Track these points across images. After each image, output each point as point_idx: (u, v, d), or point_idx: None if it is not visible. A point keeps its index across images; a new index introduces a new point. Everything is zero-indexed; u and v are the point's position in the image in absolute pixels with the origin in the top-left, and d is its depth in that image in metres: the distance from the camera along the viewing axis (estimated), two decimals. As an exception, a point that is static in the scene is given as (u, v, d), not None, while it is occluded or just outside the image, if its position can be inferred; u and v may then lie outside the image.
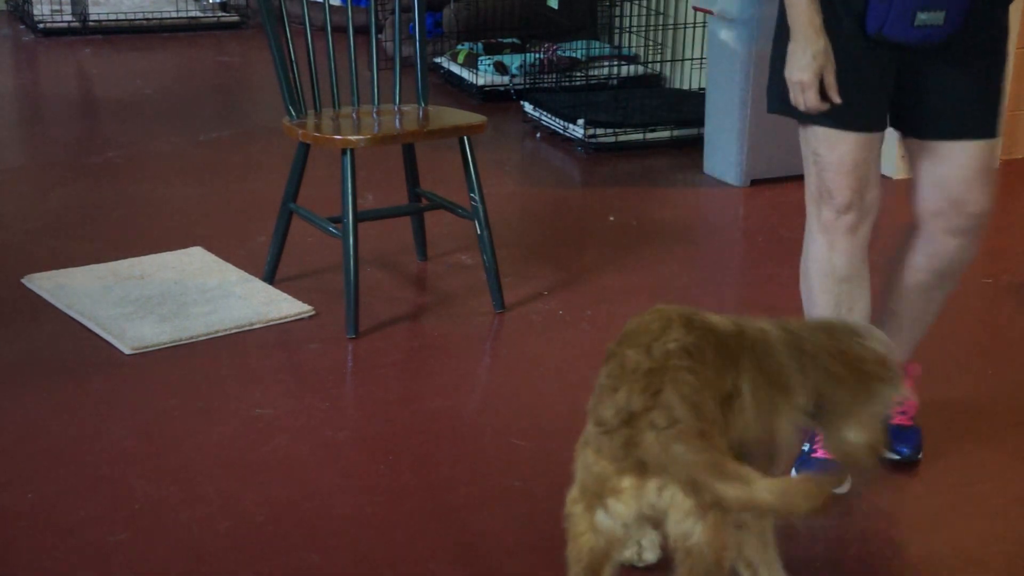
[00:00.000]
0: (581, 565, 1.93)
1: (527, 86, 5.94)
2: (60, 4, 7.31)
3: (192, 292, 3.61)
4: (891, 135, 4.45)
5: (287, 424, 2.93)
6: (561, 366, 3.26)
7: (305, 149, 3.55)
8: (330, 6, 3.42)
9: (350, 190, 3.35)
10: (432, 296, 3.75)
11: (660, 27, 6.15)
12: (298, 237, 3.87)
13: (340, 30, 3.72)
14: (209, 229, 4.15)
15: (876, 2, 2.36)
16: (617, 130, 5.23)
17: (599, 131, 5.20)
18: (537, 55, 6.06)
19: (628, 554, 2.27)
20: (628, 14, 6.16)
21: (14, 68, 6.74)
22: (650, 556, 2.30)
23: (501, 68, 6.02)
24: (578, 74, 5.99)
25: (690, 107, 5.43)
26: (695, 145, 5.13)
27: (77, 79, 6.57)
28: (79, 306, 3.48)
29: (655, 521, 1.89)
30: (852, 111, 2.45)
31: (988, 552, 2.49)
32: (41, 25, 7.19)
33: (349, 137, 3.36)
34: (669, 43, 6.13)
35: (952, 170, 2.53)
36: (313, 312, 3.52)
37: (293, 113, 3.50)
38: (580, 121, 5.21)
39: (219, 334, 3.36)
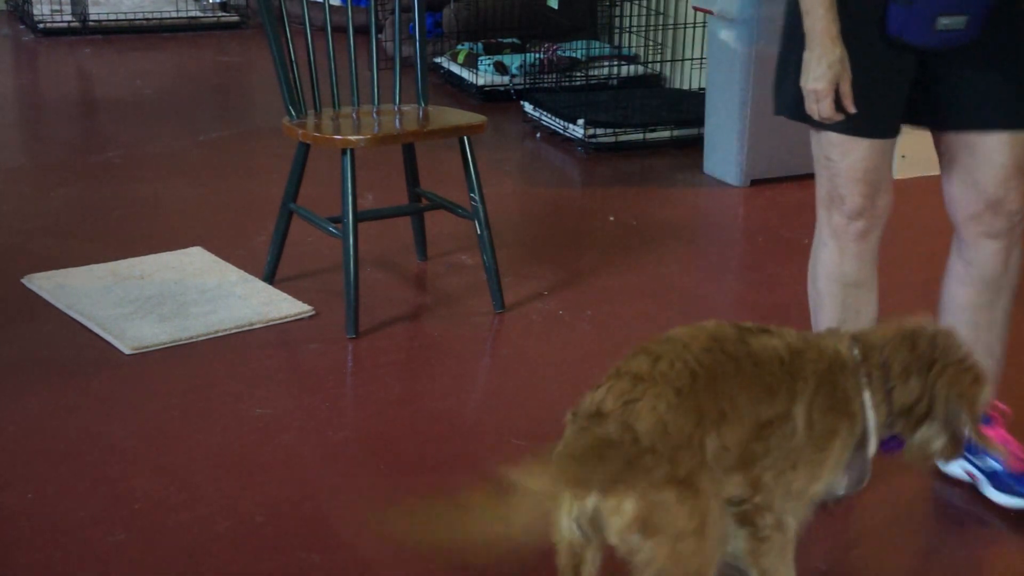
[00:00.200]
0: (561, 559, 1.94)
1: (527, 86, 5.94)
2: (60, 4, 7.31)
3: (192, 292, 3.61)
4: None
5: (287, 424, 2.93)
6: (561, 366, 3.26)
7: (305, 149, 3.55)
8: (330, 6, 3.42)
9: (350, 190, 3.35)
10: (432, 296, 3.75)
11: (660, 27, 6.15)
12: (298, 237, 3.87)
13: (340, 30, 3.72)
14: (209, 229, 4.15)
15: (896, 7, 2.33)
16: (617, 130, 5.23)
17: (599, 131, 5.20)
18: (537, 55, 6.06)
19: None
20: (628, 14, 6.16)
21: (14, 68, 6.74)
22: None
23: (501, 68, 6.02)
24: (578, 74, 5.99)
25: (690, 107, 5.42)
26: (695, 145, 5.13)
27: (77, 79, 6.57)
28: (79, 306, 3.48)
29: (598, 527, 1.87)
30: (867, 118, 2.42)
31: None
32: (41, 25, 7.18)
33: (349, 137, 3.36)
34: (669, 43, 6.13)
35: (986, 168, 2.47)
36: (313, 312, 3.52)
37: (293, 113, 3.50)
38: (580, 121, 5.21)
39: (219, 334, 3.36)
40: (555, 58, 6.03)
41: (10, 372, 3.14)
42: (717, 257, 4.23)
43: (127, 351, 3.24)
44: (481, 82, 6.00)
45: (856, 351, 2.03)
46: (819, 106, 2.40)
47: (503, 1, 6.57)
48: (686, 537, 1.81)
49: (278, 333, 3.41)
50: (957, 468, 2.68)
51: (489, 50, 6.24)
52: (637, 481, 1.81)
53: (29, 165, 4.98)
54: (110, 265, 3.79)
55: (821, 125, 2.47)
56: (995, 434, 2.63)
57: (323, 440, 2.86)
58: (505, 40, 6.40)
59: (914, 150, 4.91)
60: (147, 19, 7.42)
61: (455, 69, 6.21)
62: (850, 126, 2.44)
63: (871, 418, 2.02)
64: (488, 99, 5.95)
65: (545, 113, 5.44)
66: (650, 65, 6.17)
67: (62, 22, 7.23)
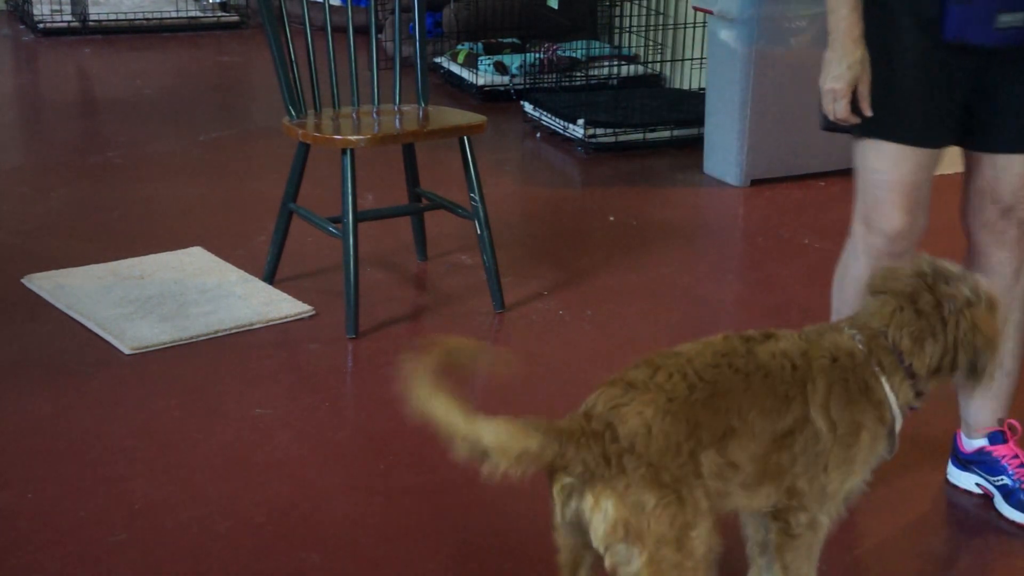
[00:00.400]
0: (561, 558, 1.93)
1: (527, 86, 5.94)
2: (60, 4, 7.30)
3: (192, 292, 3.61)
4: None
5: (287, 424, 2.93)
6: (561, 366, 3.26)
7: (305, 149, 3.55)
8: (330, 6, 3.42)
9: (350, 190, 3.35)
10: (432, 296, 3.75)
11: (660, 27, 6.15)
12: (298, 237, 3.87)
13: (340, 30, 3.72)
14: (209, 229, 4.15)
15: (954, 7, 2.29)
16: (617, 130, 5.23)
17: (599, 131, 5.20)
18: (537, 55, 6.06)
19: None
20: (628, 14, 6.17)
21: (14, 68, 6.74)
22: None
23: (501, 68, 6.02)
24: (578, 74, 5.99)
25: (690, 107, 5.42)
26: (695, 145, 5.13)
27: (77, 79, 6.57)
28: (79, 306, 3.48)
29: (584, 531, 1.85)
30: (920, 126, 2.38)
31: None
32: (41, 25, 7.18)
33: (349, 137, 3.36)
34: (669, 43, 6.13)
35: (1005, 177, 2.46)
36: (313, 312, 3.52)
37: (293, 113, 3.50)
38: (580, 121, 5.21)
39: (219, 334, 3.36)
40: (555, 58, 6.03)
41: (10, 372, 3.14)
42: (717, 257, 4.23)
43: (127, 351, 3.24)
44: (481, 82, 6.00)
45: (860, 343, 2.00)
46: (835, 106, 2.38)
47: (503, 1, 6.57)
48: (667, 544, 1.79)
49: (278, 333, 3.41)
50: (969, 482, 2.68)
51: (489, 50, 6.24)
52: (615, 480, 1.80)
53: (29, 165, 4.98)
54: (110, 265, 3.79)
55: (870, 132, 2.40)
56: (1006, 450, 2.63)
57: (323, 440, 2.86)
58: (505, 40, 6.40)
59: (914, 150, 4.91)
60: (147, 19, 7.42)
61: (455, 69, 6.21)
62: (904, 134, 2.38)
63: (894, 402, 2.00)
64: (488, 99, 5.95)
65: (545, 113, 5.44)
66: (650, 65, 6.17)
67: (62, 22, 7.23)
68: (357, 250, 3.37)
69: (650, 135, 5.28)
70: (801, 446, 1.93)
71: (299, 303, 3.55)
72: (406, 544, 2.46)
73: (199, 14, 7.61)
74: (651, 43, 6.19)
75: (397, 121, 3.59)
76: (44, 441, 2.82)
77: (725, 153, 4.85)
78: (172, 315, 3.45)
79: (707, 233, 4.47)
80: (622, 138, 5.24)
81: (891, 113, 2.38)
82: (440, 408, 1.80)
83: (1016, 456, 2.61)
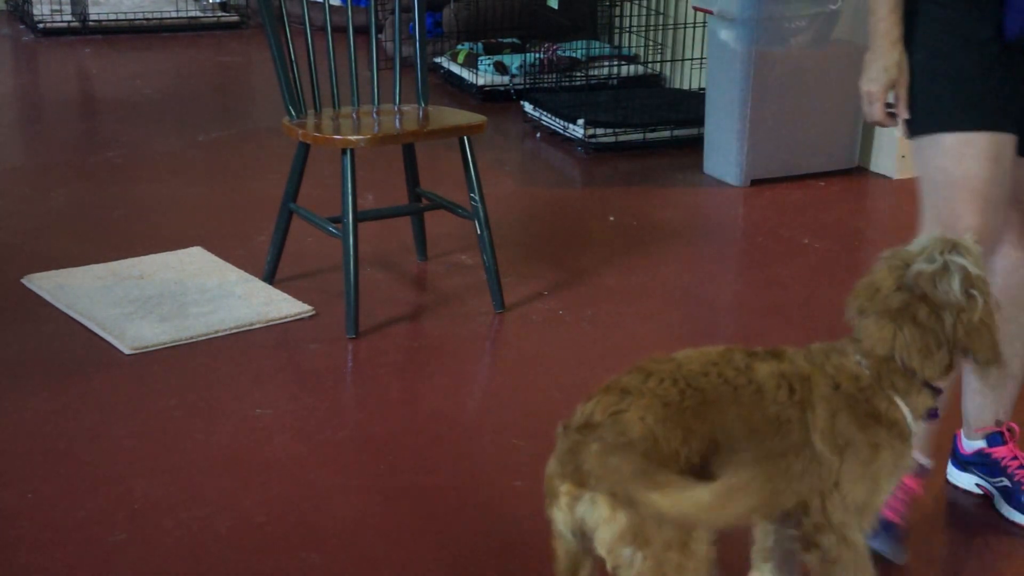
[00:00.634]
0: (558, 567, 1.92)
1: (527, 86, 5.94)
2: (60, 4, 7.31)
3: (192, 292, 3.61)
4: (892, 137, 4.46)
5: (287, 424, 2.93)
6: (561, 366, 3.26)
7: (305, 149, 3.55)
8: (330, 6, 3.42)
9: (350, 190, 3.35)
10: (432, 296, 3.75)
11: (660, 27, 6.15)
12: (298, 237, 3.87)
13: (340, 30, 3.72)
14: (209, 229, 4.15)
15: (1015, 8, 2.24)
16: (617, 130, 5.23)
17: (599, 131, 5.20)
18: (537, 55, 6.06)
19: None
20: (628, 14, 6.16)
21: (14, 68, 6.74)
22: None
23: (501, 68, 6.02)
24: (578, 74, 5.98)
25: (690, 107, 5.42)
26: (695, 145, 5.13)
27: (77, 79, 6.57)
28: (79, 306, 3.48)
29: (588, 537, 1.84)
30: (985, 114, 2.28)
31: None
32: (41, 25, 7.18)
33: (349, 137, 3.36)
34: (669, 43, 6.13)
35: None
36: (313, 312, 3.52)
37: (293, 113, 3.50)
38: (580, 121, 5.21)
39: (219, 334, 3.36)
40: (555, 58, 6.03)
41: (10, 372, 3.15)
42: (717, 257, 4.23)
43: (127, 351, 3.24)
44: (481, 82, 6.00)
45: (867, 369, 1.96)
46: (870, 109, 2.35)
47: (503, 1, 6.57)
48: (672, 549, 1.78)
49: (278, 333, 3.41)
50: (969, 482, 2.68)
51: (489, 50, 6.24)
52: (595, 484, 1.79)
53: (29, 165, 4.98)
54: (110, 265, 3.79)
55: (933, 126, 2.30)
56: (1005, 451, 2.63)
57: (323, 440, 2.86)
58: (505, 40, 6.40)
59: (914, 150, 4.91)
60: (147, 19, 7.42)
61: (455, 69, 6.21)
62: (967, 122, 2.26)
63: (911, 419, 1.97)
64: (488, 99, 5.95)
65: (545, 113, 5.44)
66: (650, 65, 6.17)
67: (62, 22, 7.23)
68: (357, 250, 3.37)
69: (650, 135, 5.28)
70: (799, 470, 1.90)
71: (299, 303, 3.55)
72: (406, 544, 2.46)
73: (199, 14, 7.62)
74: (651, 43, 6.19)
75: (397, 121, 3.59)
76: (44, 441, 2.82)
77: (725, 153, 4.85)
78: (172, 315, 3.45)
79: (707, 233, 4.47)
80: (622, 138, 5.24)
81: (953, 104, 2.30)
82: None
83: (1015, 458, 2.61)
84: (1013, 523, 2.58)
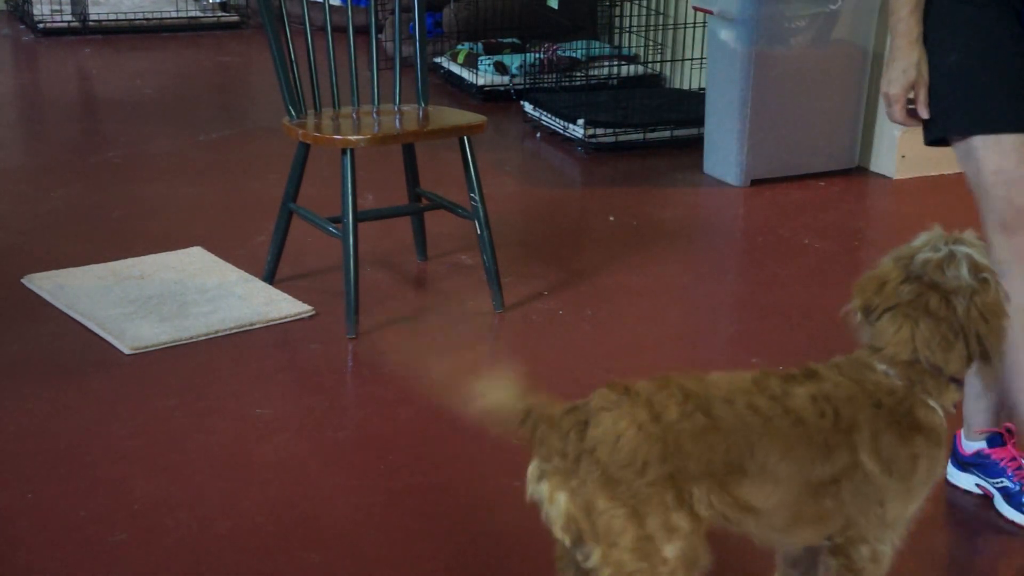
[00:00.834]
0: (557, 549, 1.93)
1: (527, 86, 5.94)
2: (60, 4, 7.30)
3: (192, 292, 3.61)
4: (892, 137, 4.47)
5: (287, 424, 2.93)
6: (561, 366, 3.26)
7: (305, 149, 3.55)
8: (330, 6, 3.42)
9: (350, 190, 3.35)
10: (432, 296, 3.75)
11: (660, 27, 6.15)
12: (298, 237, 3.87)
13: (340, 30, 3.72)
14: (209, 229, 4.15)
15: None
16: (617, 130, 5.23)
17: (599, 131, 5.20)
18: (537, 55, 6.06)
19: None
20: (628, 14, 6.17)
21: (14, 68, 6.74)
22: None
23: (501, 68, 6.02)
24: (578, 74, 5.98)
25: (690, 107, 5.43)
26: (695, 145, 5.13)
27: (77, 79, 6.57)
28: (79, 306, 3.48)
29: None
30: None
31: None
32: (41, 25, 7.18)
33: (349, 137, 3.36)
34: (669, 43, 6.13)
35: None
36: (313, 312, 3.52)
37: (293, 113, 3.50)
38: (580, 121, 5.21)
39: (219, 334, 3.36)
40: (555, 58, 6.03)
41: (10, 372, 3.14)
42: (717, 257, 4.23)
43: (127, 351, 3.24)
44: (481, 82, 6.00)
45: (897, 379, 1.92)
46: (891, 110, 2.33)
47: (503, 1, 6.57)
48: (622, 550, 1.78)
49: (278, 333, 3.41)
50: (969, 482, 2.68)
51: (489, 50, 6.24)
52: (569, 476, 1.81)
53: (29, 165, 4.98)
54: (110, 265, 3.79)
55: (982, 128, 2.27)
56: (1004, 452, 2.63)
57: (323, 440, 2.86)
58: (505, 40, 6.40)
59: (914, 150, 4.92)
60: (147, 19, 7.42)
61: (455, 69, 6.21)
62: (1015, 122, 2.24)
63: (941, 414, 1.95)
64: (488, 99, 5.95)
65: (545, 113, 5.44)
66: (650, 65, 6.17)
67: (62, 22, 7.23)
68: (357, 250, 3.37)
69: (650, 135, 5.28)
70: (850, 491, 1.87)
71: (299, 303, 3.55)
72: (406, 544, 2.46)
73: (199, 14, 7.61)
74: (651, 43, 6.19)
75: (397, 121, 3.59)
76: (44, 441, 2.82)
77: (725, 153, 4.85)
78: (172, 315, 3.45)
79: (707, 233, 4.47)
80: (622, 138, 5.24)
81: (1007, 105, 2.27)
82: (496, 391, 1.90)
83: (1015, 459, 2.61)
84: (1013, 523, 2.58)
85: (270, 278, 3.70)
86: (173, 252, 3.91)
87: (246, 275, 3.74)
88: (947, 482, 2.71)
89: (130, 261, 3.83)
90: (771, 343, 3.41)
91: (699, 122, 5.14)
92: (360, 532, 2.49)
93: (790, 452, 1.83)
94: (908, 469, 1.90)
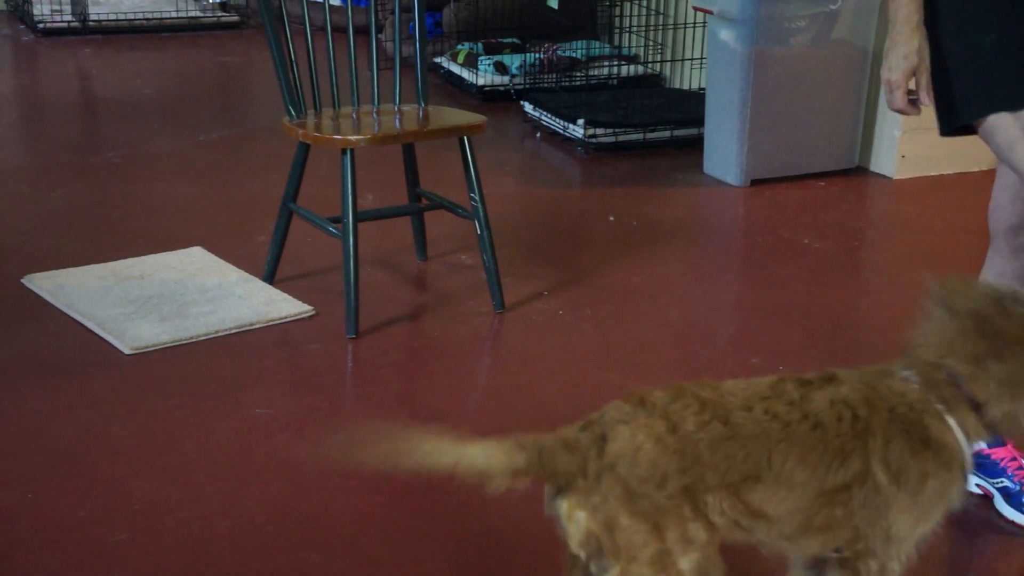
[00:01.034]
0: (564, 555, 1.91)
1: (527, 86, 5.94)
2: (60, 4, 7.31)
3: (192, 292, 3.61)
4: (892, 137, 4.47)
5: (287, 424, 2.93)
6: (561, 366, 3.26)
7: (305, 149, 3.55)
8: (330, 6, 3.42)
9: (350, 190, 3.35)
10: (432, 296, 3.75)
11: (660, 27, 6.15)
12: (298, 237, 3.87)
13: (340, 30, 3.73)
14: (209, 229, 4.15)
15: None
16: (617, 130, 5.23)
17: (599, 131, 5.20)
18: (537, 55, 6.06)
19: None
20: (628, 14, 6.17)
21: (14, 68, 6.74)
22: None
23: (501, 68, 6.02)
24: (578, 74, 5.99)
25: (690, 107, 5.43)
26: (695, 145, 5.13)
27: (77, 79, 6.57)
28: (79, 306, 3.48)
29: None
30: None
31: None
32: (41, 25, 7.19)
33: (349, 137, 3.36)
34: (669, 43, 6.13)
35: None
36: (313, 312, 3.52)
37: (293, 113, 3.50)
38: (580, 121, 5.21)
39: (219, 334, 3.36)
40: (555, 58, 6.03)
41: (10, 372, 3.14)
42: (717, 257, 4.23)
43: (127, 351, 3.24)
44: (481, 82, 6.00)
45: (915, 382, 1.87)
46: (892, 97, 2.30)
47: (503, 1, 6.57)
48: (643, 565, 1.76)
49: (278, 333, 3.41)
50: (970, 483, 2.67)
51: (489, 50, 6.24)
52: (590, 493, 1.78)
53: (29, 165, 4.98)
54: (110, 265, 3.79)
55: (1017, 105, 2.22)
56: (1004, 452, 2.62)
57: (323, 440, 2.86)
58: (505, 40, 6.40)
59: (914, 150, 4.92)
60: (147, 19, 7.42)
61: (455, 69, 6.21)
62: None
63: (964, 442, 1.87)
64: (488, 99, 5.95)
65: (545, 113, 5.44)
66: (650, 65, 6.17)
67: (62, 22, 7.23)
68: (357, 250, 3.37)
69: (650, 135, 5.28)
70: (860, 500, 1.84)
71: (299, 303, 3.55)
72: (406, 544, 2.46)
73: (199, 14, 7.62)
74: (651, 43, 6.19)
75: (397, 121, 3.59)
76: (44, 441, 2.82)
77: (725, 153, 4.85)
78: (172, 315, 3.45)
79: (707, 233, 4.47)
80: (622, 138, 5.24)
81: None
82: (430, 447, 1.78)
83: (1015, 459, 2.61)
84: (1013, 523, 2.58)
85: (270, 278, 3.70)
86: (173, 252, 3.92)
87: (246, 275, 3.74)
88: None
89: (130, 261, 3.83)
90: (771, 343, 3.41)
91: (699, 122, 5.14)
92: (360, 532, 2.49)
93: (807, 457, 1.81)
94: (917, 484, 1.85)
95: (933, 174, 4.95)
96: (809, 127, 4.86)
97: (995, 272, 2.50)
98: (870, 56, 4.89)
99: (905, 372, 1.89)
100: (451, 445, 1.79)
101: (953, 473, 1.87)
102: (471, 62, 6.13)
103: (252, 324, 3.42)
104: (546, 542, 2.45)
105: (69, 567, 2.36)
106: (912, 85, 2.35)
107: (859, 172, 5.02)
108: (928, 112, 2.40)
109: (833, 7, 4.81)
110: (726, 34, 4.77)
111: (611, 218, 4.44)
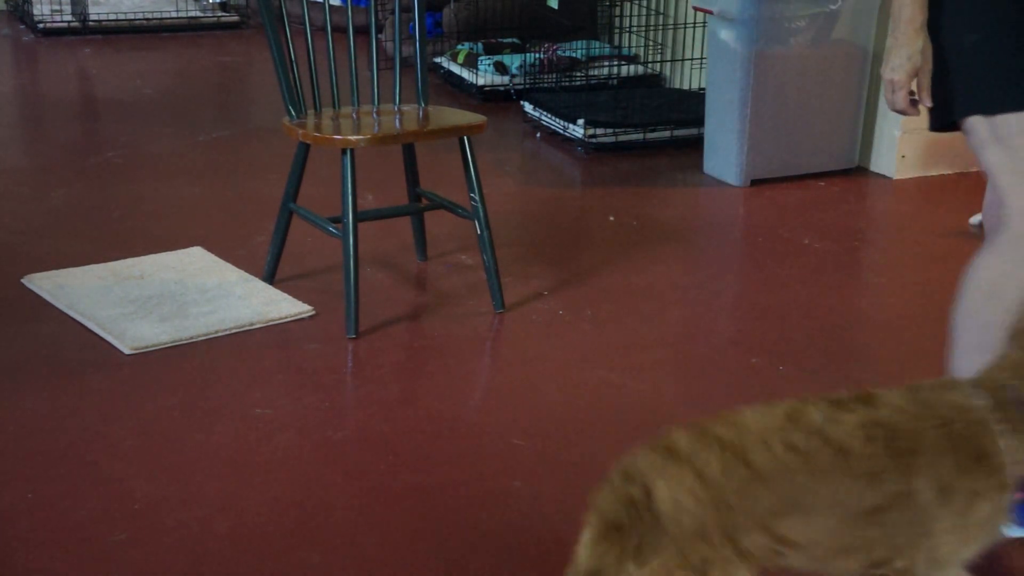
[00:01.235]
0: None
1: (527, 86, 5.94)
2: (60, 4, 7.31)
3: (192, 292, 3.61)
4: (892, 137, 4.48)
5: (287, 424, 2.93)
6: (561, 366, 3.26)
7: (305, 149, 3.55)
8: (330, 6, 3.42)
9: (350, 190, 3.35)
10: (432, 296, 3.75)
11: (660, 27, 6.15)
12: (298, 237, 3.87)
13: (340, 30, 3.73)
14: (209, 229, 4.15)
15: None
16: (617, 130, 5.23)
17: (599, 131, 5.20)
18: (537, 55, 6.06)
19: None
20: (628, 14, 6.17)
21: (14, 68, 6.74)
22: None
23: (501, 68, 6.02)
24: (578, 74, 5.99)
25: (690, 107, 5.43)
26: (695, 145, 5.13)
27: (77, 79, 6.57)
28: (79, 306, 3.48)
29: None
30: None
31: None
32: (41, 25, 7.19)
33: (349, 137, 3.36)
34: (669, 43, 6.13)
35: None
36: (313, 312, 3.52)
37: (293, 113, 3.50)
38: (580, 121, 5.21)
39: (219, 334, 3.36)
40: (555, 58, 6.03)
41: (10, 372, 3.15)
42: (717, 257, 4.23)
43: (127, 351, 3.25)
44: (481, 82, 6.00)
45: (982, 399, 1.84)
46: (893, 97, 2.31)
47: (503, 1, 6.57)
48: None
49: (278, 333, 3.41)
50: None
51: (489, 50, 6.25)
52: (656, 554, 1.74)
53: (29, 165, 4.98)
54: (110, 265, 3.79)
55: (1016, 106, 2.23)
56: None
57: (323, 440, 2.86)
58: (505, 40, 6.40)
59: (914, 150, 4.92)
60: (147, 19, 7.43)
61: (455, 69, 6.21)
62: None
63: (1014, 463, 1.84)
64: (488, 99, 5.95)
65: (545, 113, 5.44)
66: (650, 65, 6.18)
67: (62, 22, 7.23)
68: (357, 250, 3.37)
69: (650, 135, 5.28)
70: (895, 519, 1.80)
71: (299, 303, 3.55)
72: (406, 544, 2.46)
73: (199, 14, 7.62)
74: (651, 43, 6.19)
75: (397, 121, 3.59)
76: (44, 441, 2.82)
77: (725, 153, 4.85)
78: (172, 315, 3.45)
79: (707, 233, 4.47)
80: (622, 138, 5.25)
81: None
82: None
83: None
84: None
85: (270, 278, 3.70)
86: (173, 252, 3.92)
87: (246, 275, 3.74)
88: None
89: (130, 261, 3.83)
90: (771, 343, 3.41)
91: (699, 122, 5.14)
92: (360, 532, 2.49)
93: (830, 484, 1.78)
94: (965, 505, 1.81)
95: (933, 174, 4.95)
96: (809, 127, 4.86)
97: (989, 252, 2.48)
98: (870, 56, 4.89)
99: (973, 389, 1.85)
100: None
101: (1003, 494, 1.84)
102: (471, 62, 6.13)
103: (252, 324, 3.42)
104: (546, 543, 2.45)
105: (69, 567, 2.36)
106: (914, 86, 2.35)
107: (859, 172, 5.02)
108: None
109: (833, 7, 4.81)
110: (726, 34, 4.77)
111: (611, 218, 4.44)
